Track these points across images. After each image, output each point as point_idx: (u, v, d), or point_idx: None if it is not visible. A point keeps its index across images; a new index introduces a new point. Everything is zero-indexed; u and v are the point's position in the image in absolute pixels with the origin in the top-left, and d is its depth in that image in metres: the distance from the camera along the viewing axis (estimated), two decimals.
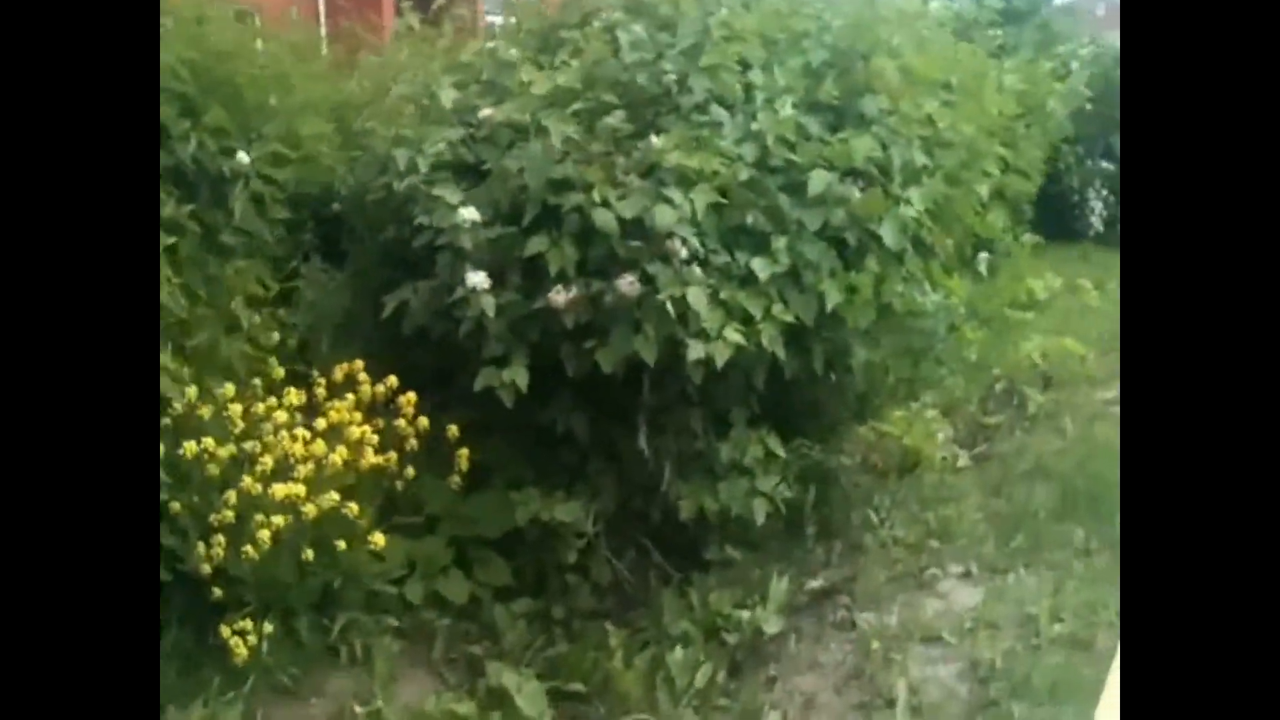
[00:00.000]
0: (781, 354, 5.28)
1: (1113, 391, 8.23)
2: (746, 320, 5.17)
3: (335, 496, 4.73)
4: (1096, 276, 12.53)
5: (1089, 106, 13.84)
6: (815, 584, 5.91)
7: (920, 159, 5.70)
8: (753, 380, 5.66)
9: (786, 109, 5.51)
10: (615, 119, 5.44)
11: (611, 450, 5.87)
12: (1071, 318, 10.55)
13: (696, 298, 4.98)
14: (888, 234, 5.41)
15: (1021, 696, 4.63)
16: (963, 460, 7.26)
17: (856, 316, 5.48)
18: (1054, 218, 13.99)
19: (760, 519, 5.70)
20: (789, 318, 5.23)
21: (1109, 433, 7.32)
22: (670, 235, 4.99)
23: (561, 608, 5.81)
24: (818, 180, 5.36)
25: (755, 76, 5.71)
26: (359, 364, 5.45)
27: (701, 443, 5.87)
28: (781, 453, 5.81)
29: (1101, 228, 14.08)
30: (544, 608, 5.80)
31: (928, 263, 5.98)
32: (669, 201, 5.03)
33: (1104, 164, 14.08)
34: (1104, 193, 14.10)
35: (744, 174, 5.33)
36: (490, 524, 5.71)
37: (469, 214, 5.10)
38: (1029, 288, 11.25)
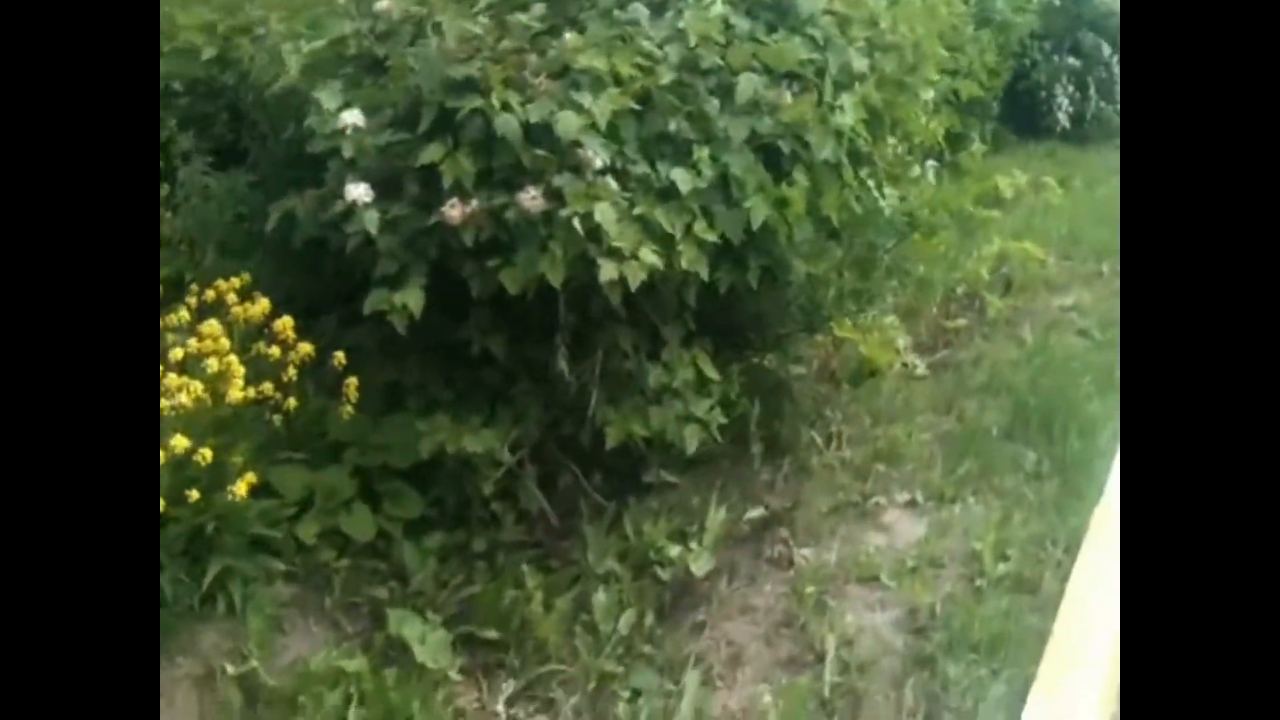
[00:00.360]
0: (705, 274, 4.73)
1: (1071, 297, 7.77)
2: (667, 238, 4.60)
3: (184, 441, 4.13)
4: (1062, 174, 12.02)
5: (1056, 2, 13.30)
6: (756, 513, 5.42)
7: (859, 63, 5.13)
8: (684, 297, 5.12)
9: (716, 6, 4.92)
10: (531, 15, 4.86)
11: (537, 371, 5.33)
12: (1035, 216, 10.00)
13: (605, 214, 4.45)
14: (819, 143, 4.83)
15: (959, 652, 4.16)
16: (920, 369, 6.78)
17: (790, 231, 4.92)
18: (1022, 114, 13.47)
19: (691, 448, 5.18)
20: (712, 236, 4.67)
21: (1065, 342, 6.91)
22: (578, 144, 4.41)
23: (483, 541, 5.27)
24: (746, 85, 4.80)
25: None
26: (235, 282, 4.92)
27: (632, 363, 5.33)
28: (715, 374, 5.29)
29: (1068, 124, 13.47)
30: (462, 542, 5.26)
31: (859, 172, 5.40)
32: (577, 106, 4.45)
33: (1070, 60, 13.44)
34: (1070, 89, 13.48)
35: (666, 77, 4.76)
36: (401, 453, 5.13)
37: (351, 118, 4.53)
38: (996, 185, 10.72)
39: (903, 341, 6.96)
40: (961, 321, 7.49)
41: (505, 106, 4.43)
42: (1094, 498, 5.01)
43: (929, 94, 5.78)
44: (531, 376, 5.36)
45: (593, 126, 4.48)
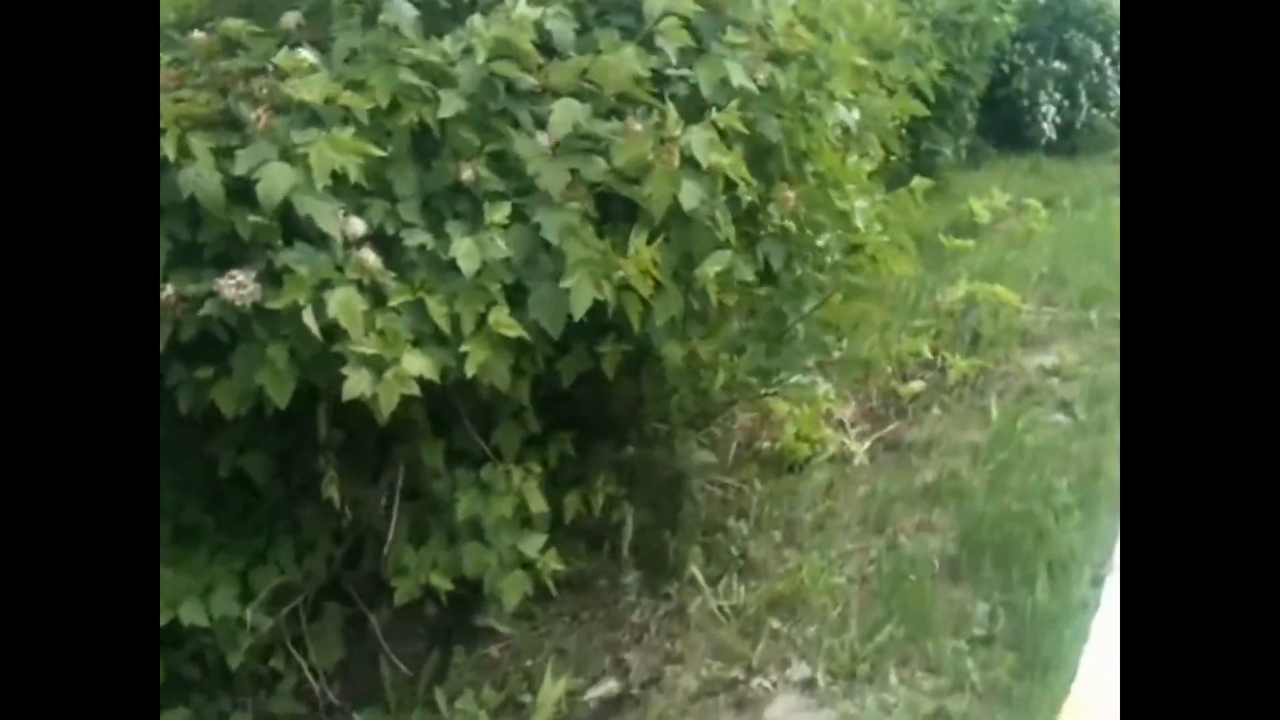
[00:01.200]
0: (505, 383, 3.29)
1: (1051, 355, 6.24)
2: (445, 335, 3.16)
3: None
4: (1047, 192, 10.56)
5: (1040, 0, 11.83)
6: (603, 689, 3.94)
7: (738, 76, 3.63)
8: (518, 393, 3.67)
9: (520, 6, 3.45)
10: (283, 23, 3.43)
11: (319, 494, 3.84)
12: (1014, 246, 8.50)
13: (346, 306, 2.99)
14: (658, 195, 3.37)
15: None
16: (859, 455, 5.28)
17: (644, 312, 3.46)
18: (1003, 125, 12.03)
19: (511, 603, 3.73)
20: (512, 333, 3.21)
21: (1040, 422, 5.38)
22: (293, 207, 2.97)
23: (247, 715, 3.87)
24: (563, 114, 3.34)
25: None
26: None
27: (444, 483, 3.88)
28: (543, 504, 3.83)
29: (1054, 135, 12.01)
30: (222, 714, 3.86)
31: (757, 220, 3.94)
32: (294, 155, 3.00)
33: (1057, 64, 11.95)
34: (1057, 96, 12.01)
35: (453, 107, 3.29)
36: None
37: None
38: (970, 208, 9.22)
39: (846, 412, 5.54)
40: (918, 385, 6.00)
41: (185, 154, 2.94)
42: (1063, 684, 3.53)
43: (849, 115, 4.26)
44: (318, 498, 3.88)
45: (340, 178, 3.01)
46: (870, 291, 4.65)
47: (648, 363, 4.17)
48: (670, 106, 3.41)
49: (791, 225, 4.16)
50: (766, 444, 5.37)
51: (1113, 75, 12.44)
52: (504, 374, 3.29)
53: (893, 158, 9.62)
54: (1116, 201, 9.89)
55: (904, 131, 9.84)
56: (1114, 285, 7.09)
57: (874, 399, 5.95)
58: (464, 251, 3.19)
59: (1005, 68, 11.40)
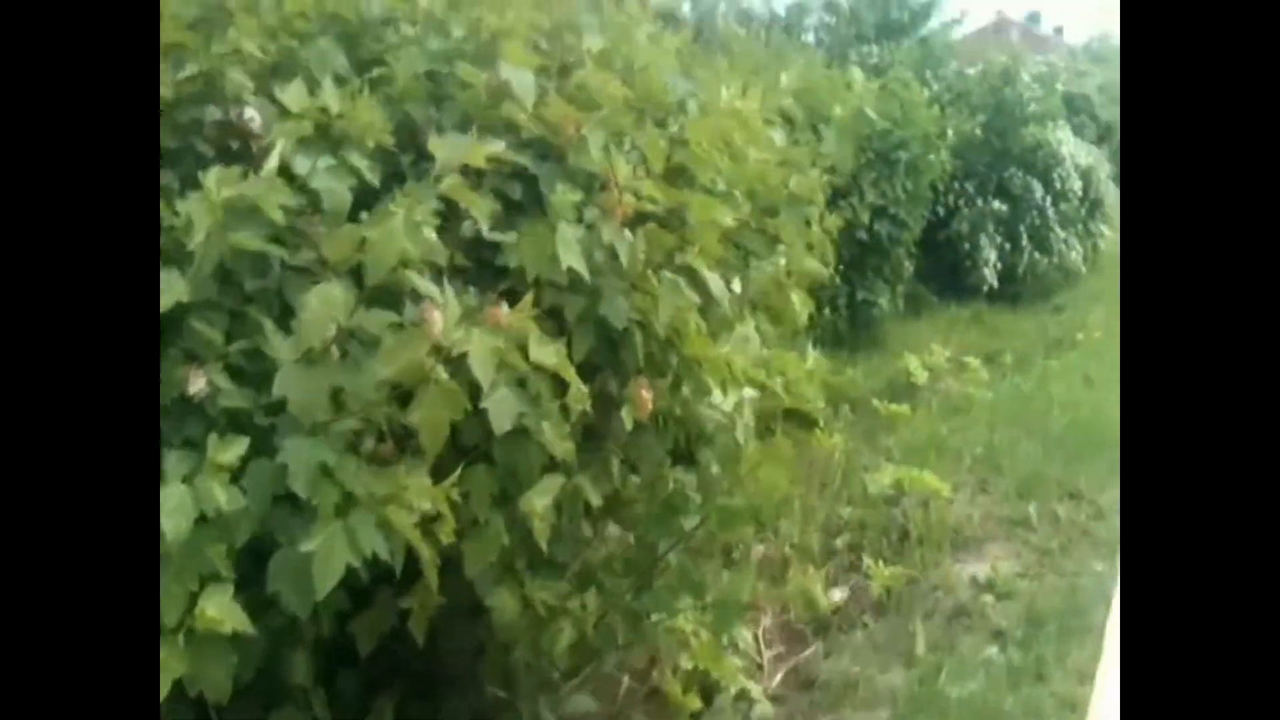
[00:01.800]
0: (223, 692, 2.31)
1: (984, 563, 5.20)
2: None
3: None
4: (988, 347, 9.71)
5: (978, 134, 11.10)
6: None
7: (570, 258, 2.73)
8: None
9: (272, 159, 2.55)
10: None
11: None
12: (952, 412, 7.57)
13: None
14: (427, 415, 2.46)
15: None
16: (761, 701, 4.22)
17: (434, 560, 2.54)
18: (944, 270, 11.21)
19: None
20: (228, 628, 2.25)
21: (968, 658, 4.38)
22: None
23: None
24: (318, 310, 2.44)
25: None
26: None
27: None
28: None
29: (995, 283, 11.15)
30: None
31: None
32: None
33: (996, 204, 11.16)
34: (998, 239, 11.20)
35: (172, 295, 2.41)
36: None
37: None
38: (906, 368, 8.33)
39: (760, 626, 4.57)
40: (839, 595, 5.00)
41: None
42: None
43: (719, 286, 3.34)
44: None
45: None
46: (745, 512, 3.70)
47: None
48: (450, 295, 2.47)
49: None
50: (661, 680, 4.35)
51: (1054, 216, 11.70)
52: (222, 680, 2.30)
53: (824, 312, 8.82)
54: (1054, 363, 9.11)
55: (836, 282, 9.06)
56: (1054, 468, 6.21)
57: (792, 616, 4.95)
58: (171, 506, 2.22)
59: (943, 209, 10.58)
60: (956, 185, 10.88)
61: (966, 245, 11.03)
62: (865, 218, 8.66)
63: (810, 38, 18.54)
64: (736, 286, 3.51)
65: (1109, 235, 13.65)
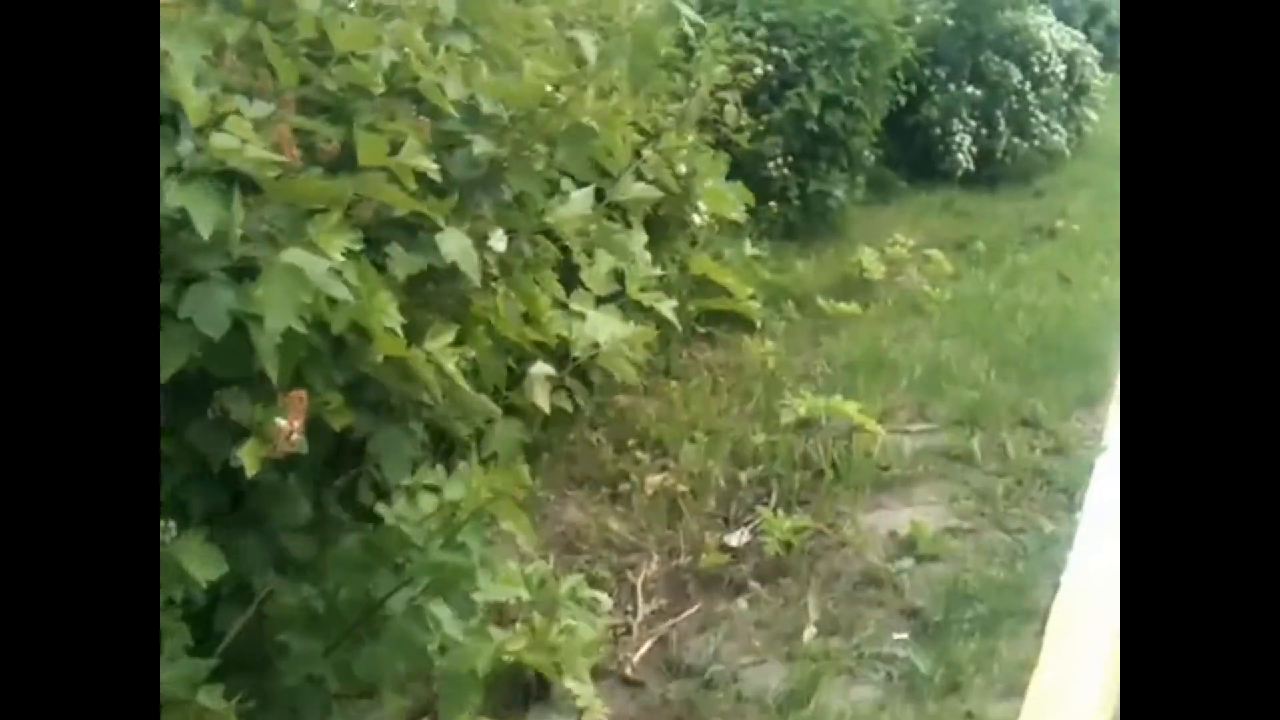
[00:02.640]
0: None
1: (906, 516, 4.15)
2: None
3: None
4: (959, 234, 8.64)
5: (949, 22, 9.91)
6: None
7: None
8: None
9: None
10: None
11: None
12: (905, 315, 6.50)
13: None
14: None
15: None
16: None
17: None
18: (915, 155, 10.16)
19: None
20: None
21: (865, 656, 3.37)
22: None
23: None
24: None
25: None
26: None
27: None
28: None
29: (971, 166, 10.10)
30: None
31: None
32: None
33: (971, 90, 10.00)
34: (972, 124, 10.07)
35: None
36: None
37: None
38: (860, 263, 7.24)
39: (641, 574, 3.81)
40: (735, 541, 4.03)
41: None
42: None
43: None
44: None
45: None
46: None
47: None
48: None
49: None
50: None
51: (1034, 100, 10.54)
52: None
53: (772, 204, 7.77)
54: (1028, 255, 7.98)
55: (786, 172, 8.01)
56: (1009, 390, 5.11)
57: (681, 549, 3.97)
58: None
59: (909, 93, 9.39)
60: (926, 72, 9.71)
61: (938, 130, 9.98)
62: (815, 108, 7.62)
63: None
64: (498, 243, 2.54)
65: (1095, 119, 12.45)
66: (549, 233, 3.53)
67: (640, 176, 4.20)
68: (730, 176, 6.54)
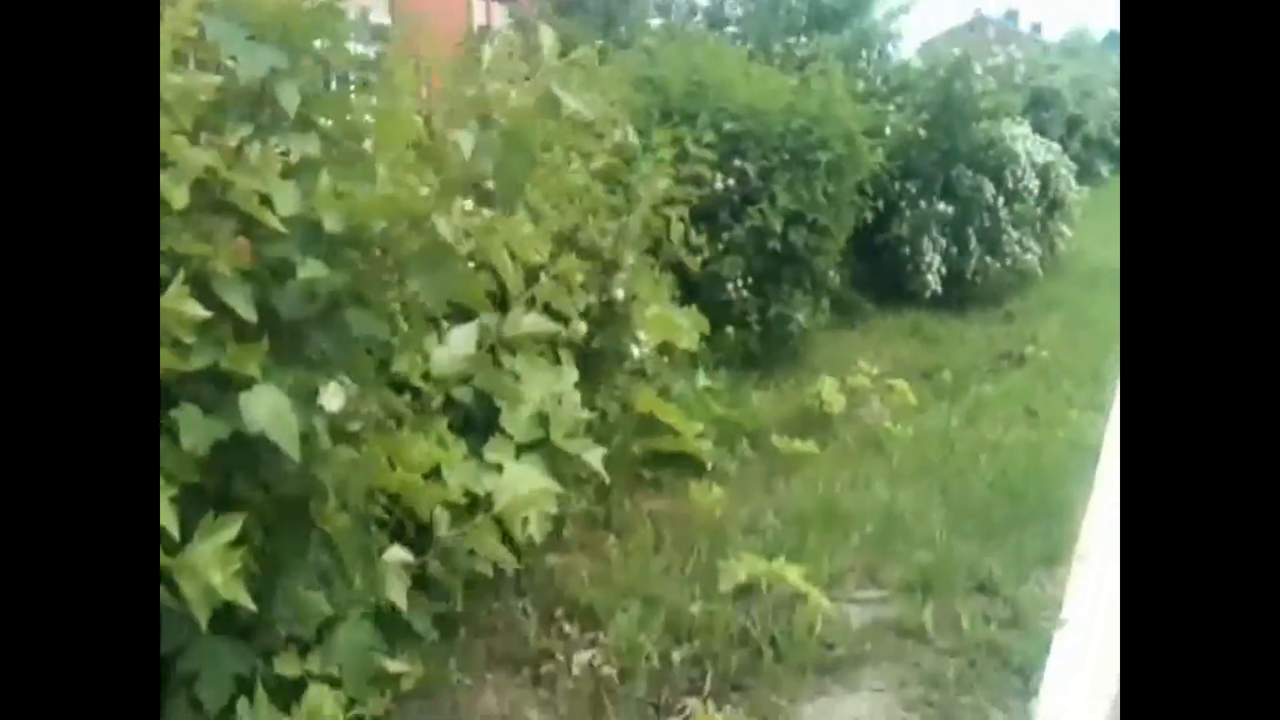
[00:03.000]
0: None
1: (853, 700, 3.68)
2: None
3: None
4: (926, 361, 8.24)
5: (922, 132, 9.58)
6: None
7: None
8: None
9: None
10: None
11: None
12: (866, 451, 6.08)
13: None
14: None
15: None
16: None
17: None
18: (883, 276, 9.77)
19: None
20: None
21: None
22: None
23: None
24: None
25: None
26: None
27: None
28: None
29: (939, 288, 9.69)
30: None
31: None
32: None
33: (941, 205, 9.65)
34: (942, 243, 9.71)
35: None
36: None
37: None
38: (819, 395, 6.81)
39: None
40: None
41: None
42: None
43: None
44: None
45: None
46: None
47: None
48: None
49: None
50: None
51: (1007, 217, 10.23)
52: None
53: (730, 330, 7.34)
54: (995, 386, 7.57)
55: (746, 294, 7.58)
56: (966, 548, 4.64)
57: None
58: None
59: (881, 211, 9.05)
60: (896, 186, 9.37)
61: (908, 249, 9.62)
62: (778, 225, 7.20)
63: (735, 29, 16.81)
64: (331, 401, 2.10)
65: (1069, 234, 12.14)
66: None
67: (533, 306, 3.78)
68: (686, 300, 6.15)
